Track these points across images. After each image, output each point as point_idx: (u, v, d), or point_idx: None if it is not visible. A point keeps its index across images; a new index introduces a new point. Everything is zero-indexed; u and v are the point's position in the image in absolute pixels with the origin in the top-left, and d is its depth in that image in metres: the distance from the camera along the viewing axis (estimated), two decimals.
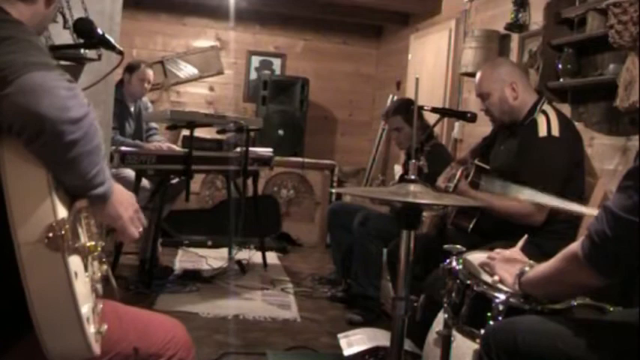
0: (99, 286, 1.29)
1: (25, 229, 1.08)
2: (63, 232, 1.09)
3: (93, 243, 1.20)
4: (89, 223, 1.25)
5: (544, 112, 2.63)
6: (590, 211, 1.84)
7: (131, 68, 4.44)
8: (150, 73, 4.52)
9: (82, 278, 1.16)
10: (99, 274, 1.28)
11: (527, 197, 1.78)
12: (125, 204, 1.32)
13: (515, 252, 1.73)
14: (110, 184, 1.25)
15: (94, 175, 1.18)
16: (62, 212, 1.12)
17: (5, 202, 1.08)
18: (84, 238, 1.19)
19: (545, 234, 2.52)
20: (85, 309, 1.13)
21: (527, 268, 1.58)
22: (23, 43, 1.14)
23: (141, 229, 1.35)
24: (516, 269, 1.61)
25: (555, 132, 2.57)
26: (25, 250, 1.07)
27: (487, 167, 2.79)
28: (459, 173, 2.71)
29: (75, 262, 1.13)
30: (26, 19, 1.28)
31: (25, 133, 1.07)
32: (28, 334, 1.11)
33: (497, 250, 1.76)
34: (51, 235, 1.08)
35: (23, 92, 1.05)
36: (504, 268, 1.66)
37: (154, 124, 4.65)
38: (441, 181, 2.79)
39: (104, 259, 1.32)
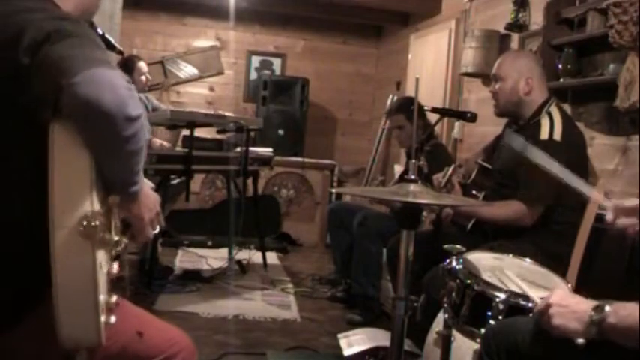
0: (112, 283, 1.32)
1: (64, 214, 1.12)
2: (97, 223, 1.13)
3: (118, 238, 1.25)
4: (116, 220, 1.28)
5: (549, 115, 2.60)
6: (596, 195, 1.82)
7: (128, 68, 4.42)
8: (144, 64, 4.51)
9: (104, 270, 1.21)
10: (115, 271, 1.30)
11: (543, 164, 1.74)
12: (150, 206, 1.36)
13: (563, 294, 1.38)
14: (142, 184, 1.30)
15: (135, 173, 1.24)
16: (98, 205, 1.17)
17: (49, 185, 1.12)
18: (113, 233, 1.23)
19: (545, 234, 2.52)
20: (102, 299, 1.17)
21: (607, 308, 1.25)
22: (85, 40, 1.20)
23: (157, 231, 1.39)
24: (582, 313, 1.29)
25: (557, 136, 2.54)
26: (60, 234, 1.11)
27: (489, 167, 2.79)
28: (450, 170, 2.72)
29: (101, 253, 1.17)
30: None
31: (85, 123, 1.13)
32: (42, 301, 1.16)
33: (541, 296, 1.50)
34: (85, 223, 1.12)
35: (89, 83, 1.10)
36: (565, 315, 1.32)
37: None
38: (435, 177, 2.80)
39: (125, 261, 1.35)
